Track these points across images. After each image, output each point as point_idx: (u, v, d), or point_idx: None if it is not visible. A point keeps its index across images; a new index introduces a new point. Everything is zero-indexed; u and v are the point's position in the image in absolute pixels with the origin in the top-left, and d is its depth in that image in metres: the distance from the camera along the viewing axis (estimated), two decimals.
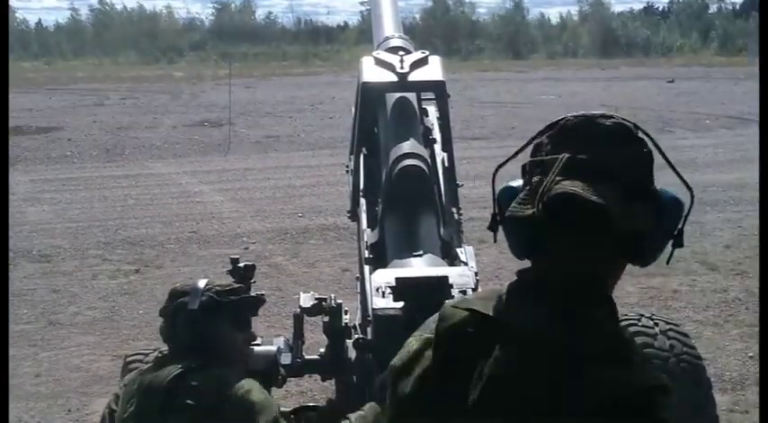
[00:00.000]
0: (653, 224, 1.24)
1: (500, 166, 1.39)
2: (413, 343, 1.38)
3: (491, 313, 1.27)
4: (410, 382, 1.32)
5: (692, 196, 1.28)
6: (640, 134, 1.27)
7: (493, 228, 1.35)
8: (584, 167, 1.19)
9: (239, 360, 2.48)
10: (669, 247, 1.30)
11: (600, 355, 1.19)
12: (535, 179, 1.23)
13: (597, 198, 1.15)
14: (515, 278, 1.30)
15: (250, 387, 2.25)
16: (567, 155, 1.21)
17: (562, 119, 1.27)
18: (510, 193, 1.31)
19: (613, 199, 1.17)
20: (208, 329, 2.36)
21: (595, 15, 58.07)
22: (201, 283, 2.43)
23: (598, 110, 1.32)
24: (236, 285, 2.53)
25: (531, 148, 1.31)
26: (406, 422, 1.34)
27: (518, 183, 1.31)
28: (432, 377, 1.29)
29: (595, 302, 1.24)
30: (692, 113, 18.79)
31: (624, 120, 1.26)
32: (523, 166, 1.30)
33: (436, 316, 1.35)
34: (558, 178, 1.19)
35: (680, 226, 1.28)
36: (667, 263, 1.34)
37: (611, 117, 1.26)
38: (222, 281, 2.53)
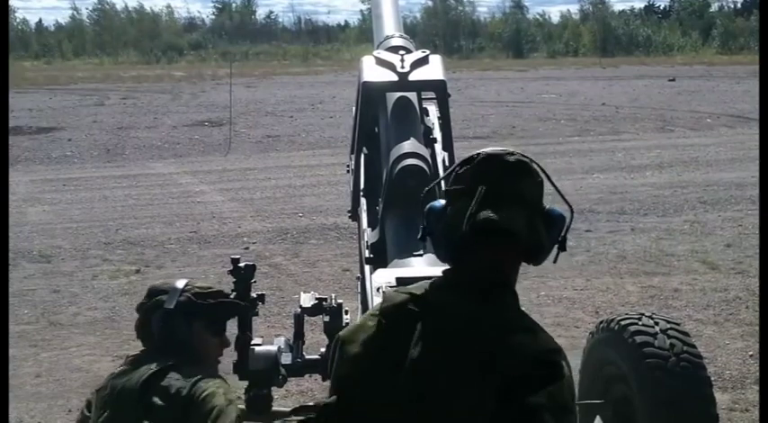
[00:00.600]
0: (545, 235, 1.62)
1: (427, 189, 1.87)
2: (357, 319, 1.70)
3: (426, 297, 1.61)
4: (355, 347, 1.61)
5: (572, 212, 1.68)
6: (535, 166, 1.64)
7: (423, 238, 1.69)
8: (497, 197, 1.56)
9: (210, 364, 2.45)
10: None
11: (510, 326, 1.56)
12: (459, 204, 1.59)
13: (510, 224, 1.56)
14: (441, 276, 1.66)
15: (213, 390, 2.20)
16: (484, 187, 1.57)
17: (477, 155, 1.63)
18: (434, 211, 1.67)
19: (520, 221, 1.57)
20: (181, 330, 2.35)
21: (596, 14, 58.00)
22: (181, 283, 2.42)
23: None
24: (215, 289, 2.50)
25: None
26: (349, 383, 1.59)
27: (440, 203, 1.67)
28: (374, 343, 1.59)
29: (504, 291, 1.62)
30: (693, 112, 18.77)
31: (523, 155, 1.63)
32: (446, 191, 1.67)
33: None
34: (479, 207, 1.55)
35: (563, 234, 1.65)
36: (554, 261, 1.68)
37: (513, 154, 1.63)
38: (203, 283, 2.52)
